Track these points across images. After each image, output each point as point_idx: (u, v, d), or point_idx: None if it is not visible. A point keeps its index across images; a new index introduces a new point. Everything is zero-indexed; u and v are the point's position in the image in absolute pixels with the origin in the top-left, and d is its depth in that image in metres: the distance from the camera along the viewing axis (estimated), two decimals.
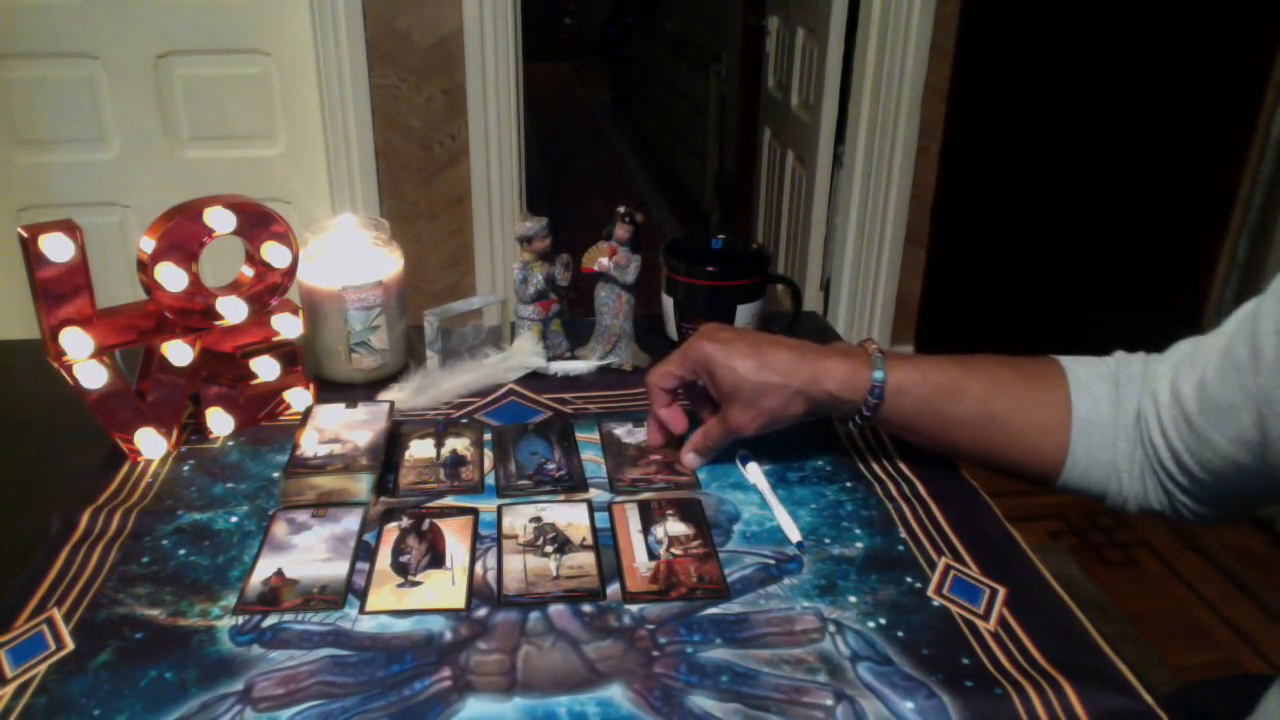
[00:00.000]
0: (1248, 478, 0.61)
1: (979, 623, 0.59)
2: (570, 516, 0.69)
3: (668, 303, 0.93)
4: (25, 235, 0.68)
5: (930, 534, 0.68)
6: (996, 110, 2.31)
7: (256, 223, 0.79)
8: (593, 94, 7.24)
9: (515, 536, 0.67)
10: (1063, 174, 2.39)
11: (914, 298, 2.50)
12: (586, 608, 0.60)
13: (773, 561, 0.65)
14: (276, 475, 0.74)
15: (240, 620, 0.59)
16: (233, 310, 0.79)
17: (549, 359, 0.91)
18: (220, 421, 0.80)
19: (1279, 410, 0.55)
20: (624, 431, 0.81)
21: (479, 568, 0.64)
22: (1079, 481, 0.70)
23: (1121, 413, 0.68)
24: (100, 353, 0.73)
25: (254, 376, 0.82)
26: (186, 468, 0.76)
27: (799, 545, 0.66)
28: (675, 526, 0.68)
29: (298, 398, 0.84)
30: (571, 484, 0.74)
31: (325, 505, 0.70)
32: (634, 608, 0.60)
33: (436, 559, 0.65)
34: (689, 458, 0.75)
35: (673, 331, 0.93)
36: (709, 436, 0.74)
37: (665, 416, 0.76)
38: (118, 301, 0.75)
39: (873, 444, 0.80)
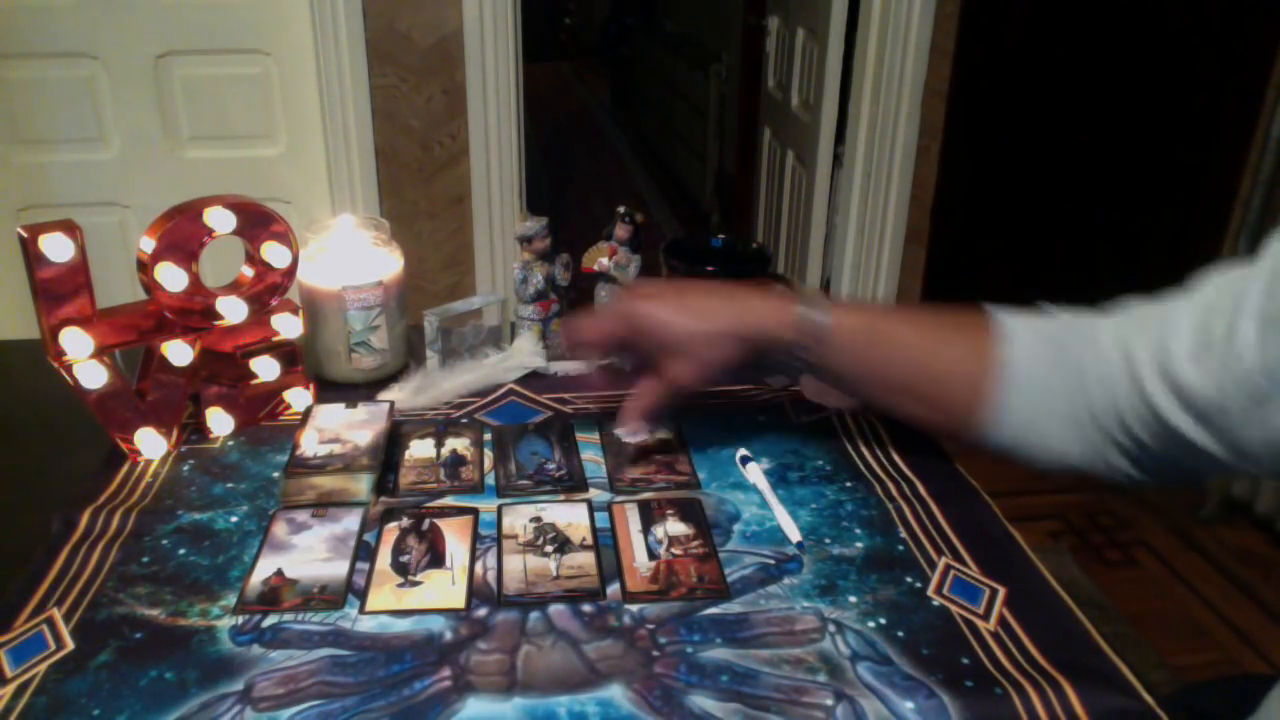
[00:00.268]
0: (1201, 455, 0.58)
1: (979, 623, 0.59)
2: (570, 516, 0.69)
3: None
4: (25, 235, 0.68)
5: (930, 534, 0.68)
6: (996, 110, 2.31)
7: (256, 223, 0.79)
8: (593, 94, 7.24)
9: (515, 536, 0.67)
10: (1063, 174, 2.39)
11: (914, 298, 2.50)
12: (586, 608, 0.60)
13: (773, 561, 0.65)
14: (276, 475, 0.74)
15: (240, 620, 0.59)
16: (233, 310, 0.79)
17: (549, 359, 0.91)
18: (220, 421, 0.80)
19: (1267, 398, 0.53)
20: (624, 432, 0.81)
21: (479, 568, 0.64)
22: (1009, 441, 0.67)
23: (1069, 370, 0.64)
24: (100, 353, 0.73)
25: (254, 376, 0.82)
26: (186, 468, 0.76)
27: (799, 545, 0.66)
28: (675, 526, 0.68)
29: (298, 398, 0.84)
30: (571, 484, 0.74)
31: (325, 505, 0.70)
32: (634, 608, 0.60)
33: (436, 559, 0.65)
34: (628, 426, 0.73)
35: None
36: (650, 395, 0.72)
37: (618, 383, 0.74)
38: (118, 301, 0.75)
39: (873, 444, 0.80)
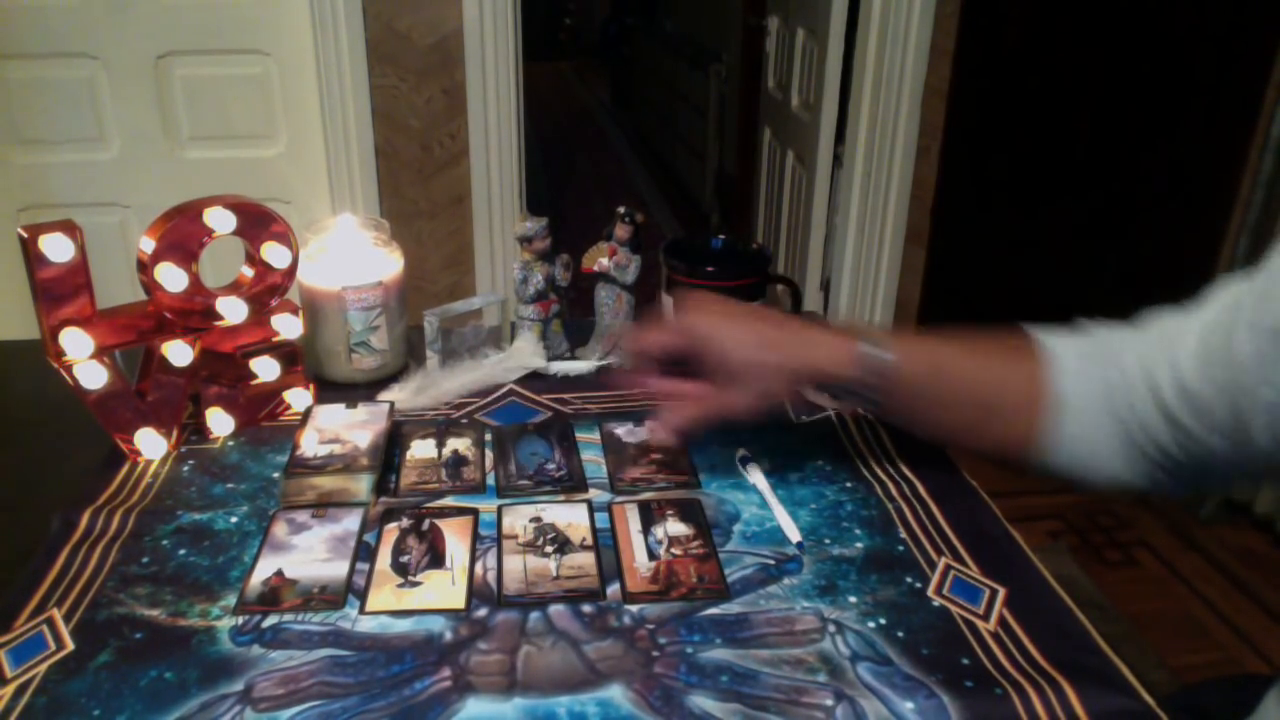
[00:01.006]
0: (1221, 460, 0.59)
1: (979, 623, 0.59)
2: (570, 516, 0.69)
3: (668, 303, 0.93)
4: (25, 235, 0.68)
5: (930, 534, 0.68)
6: (996, 110, 2.31)
7: (256, 223, 0.79)
8: (593, 94, 7.24)
9: (515, 536, 0.67)
10: (1063, 174, 2.39)
11: (914, 298, 2.50)
12: (586, 608, 0.60)
13: (773, 561, 0.65)
14: (276, 475, 0.74)
15: (240, 620, 0.59)
16: (233, 310, 0.79)
17: (549, 359, 0.91)
18: (220, 421, 0.80)
19: (1258, 404, 0.54)
20: (624, 431, 0.81)
21: (479, 568, 0.64)
22: (1065, 466, 0.67)
23: (1107, 387, 0.65)
24: (100, 353, 0.73)
25: (254, 376, 0.82)
26: (186, 468, 0.76)
27: (799, 546, 0.66)
28: (675, 526, 0.68)
29: (298, 398, 0.84)
30: (571, 484, 0.74)
31: (325, 505, 0.70)
32: (634, 608, 0.60)
33: (436, 559, 0.65)
34: (670, 432, 0.70)
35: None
36: (698, 412, 0.69)
37: (668, 388, 0.70)
38: (118, 301, 0.75)
39: (873, 444, 0.80)
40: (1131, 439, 0.64)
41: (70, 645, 0.56)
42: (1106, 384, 0.65)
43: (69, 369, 0.72)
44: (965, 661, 0.56)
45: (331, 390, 0.87)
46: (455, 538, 0.67)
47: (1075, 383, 0.66)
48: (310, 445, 0.74)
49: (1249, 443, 0.56)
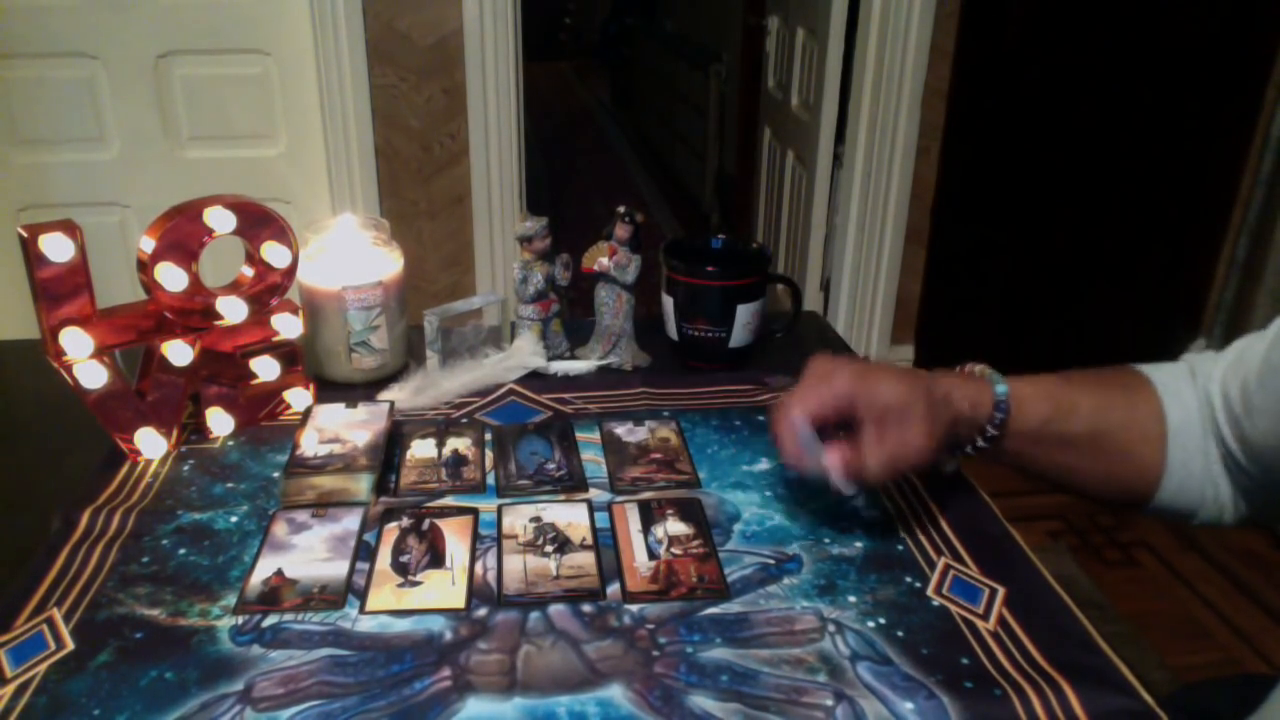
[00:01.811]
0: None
1: (979, 623, 0.59)
2: (570, 516, 0.69)
3: (668, 303, 0.93)
4: (25, 235, 0.68)
5: (930, 534, 0.68)
6: (996, 110, 2.31)
7: (256, 223, 0.79)
8: (593, 94, 7.24)
9: (515, 536, 0.67)
10: (1063, 174, 2.39)
11: (914, 298, 2.50)
12: (586, 608, 0.60)
13: (773, 561, 0.65)
14: (276, 475, 0.74)
15: (240, 620, 0.59)
16: (233, 310, 0.79)
17: (549, 359, 0.91)
18: (220, 421, 0.80)
19: None
20: (624, 431, 0.81)
21: (479, 568, 0.64)
22: (1174, 496, 0.67)
23: (1199, 405, 0.66)
24: (100, 353, 0.73)
25: (254, 376, 0.82)
26: (186, 468, 0.76)
27: (853, 496, 0.65)
28: (675, 526, 0.68)
29: (298, 398, 0.84)
30: (571, 484, 0.74)
31: (325, 505, 0.70)
32: (634, 608, 0.60)
33: (436, 559, 0.65)
34: (846, 483, 0.64)
35: (673, 331, 0.93)
36: (873, 471, 0.63)
37: (830, 463, 0.64)
38: (118, 301, 0.75)
39: None
40: (1222, 456, 0.65)
41: (70, 645, 0.56)
42: (1198, 403, 0.66)
43: (69, 369, 0.72)
44: (965, 661, 0.56)
45: (331, 390, 0.87)
46: (455, 537, 0.67)
47: (1176, 406, 0.66)
48: (310, 445, 0.74)
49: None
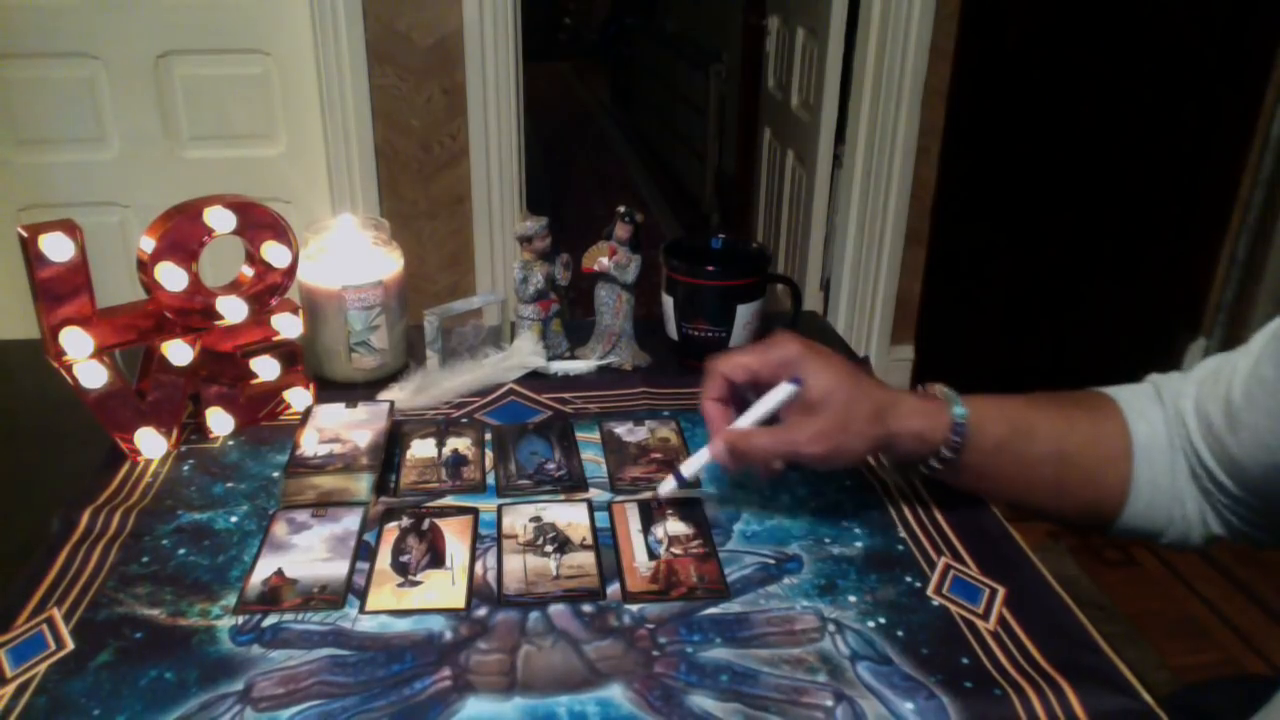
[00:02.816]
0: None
1: (979, 623, 0.59)
2: (570, 516, 0.69)
3: (668, 303, 0.93)
4: (25, 235, 0.68)
5: (930, 534, 0.68)
6: (996, 110, 2.31)
7: (256, 223, 0.79)
8: (593, 94, 7.24)
9: (515, 536, 0.67)
10: (1063, 174, 2.39)
11: (914, 298, 2.50)
12: (586, 607, 0.60)
13: (773, 561, 0.65)
14: (276, 475, 0.74)
15: (240, 620, 0.59)
16: (233, 310, 0.79)
17: (549, 359, 0.91)
18: (220, 421, 0.80)
19: None
20: (624, 431, 0.81)
21: (479, 567, 0.64)
22: (1141, 516, 0.66)
23: (1167, 425, 0.66)
24: (100, 353, 0.73)
25: (254, 376, 0.82)
26: (186, 468, 0.76)
27: (679, 477, 0.67)
28: (675, 526, 0.68)
29: (298, 398, 0.84)
30: (571, 484, 0.74)
31: (325, 505, 0.70)
32: (634, 607, 0.60)
33: (436, 559, 0.65)
34: (719, 449, 0.65)
35: (673, 331, 0.93)
36: (758, 444, 0.64)
37: (713, 412, 0.66)
38: (118, 301, 0.75)
39: None
40: (1194, 474, 0.65)
41: (70, 645, 0.56)
42: (1166, 421, 0.66)
43: (69, 369, 0.72)
44: (965, 661, 0.56)
45: (331, 390, 0.87)
46: (455, 537, 0.67)
47: (1142, 424, 0.66)
48: (310, 445, 0.74)
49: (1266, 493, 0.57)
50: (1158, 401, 0.67)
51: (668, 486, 0.68)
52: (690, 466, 0.68)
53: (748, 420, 0.66)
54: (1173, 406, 0.66)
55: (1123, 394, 0.68)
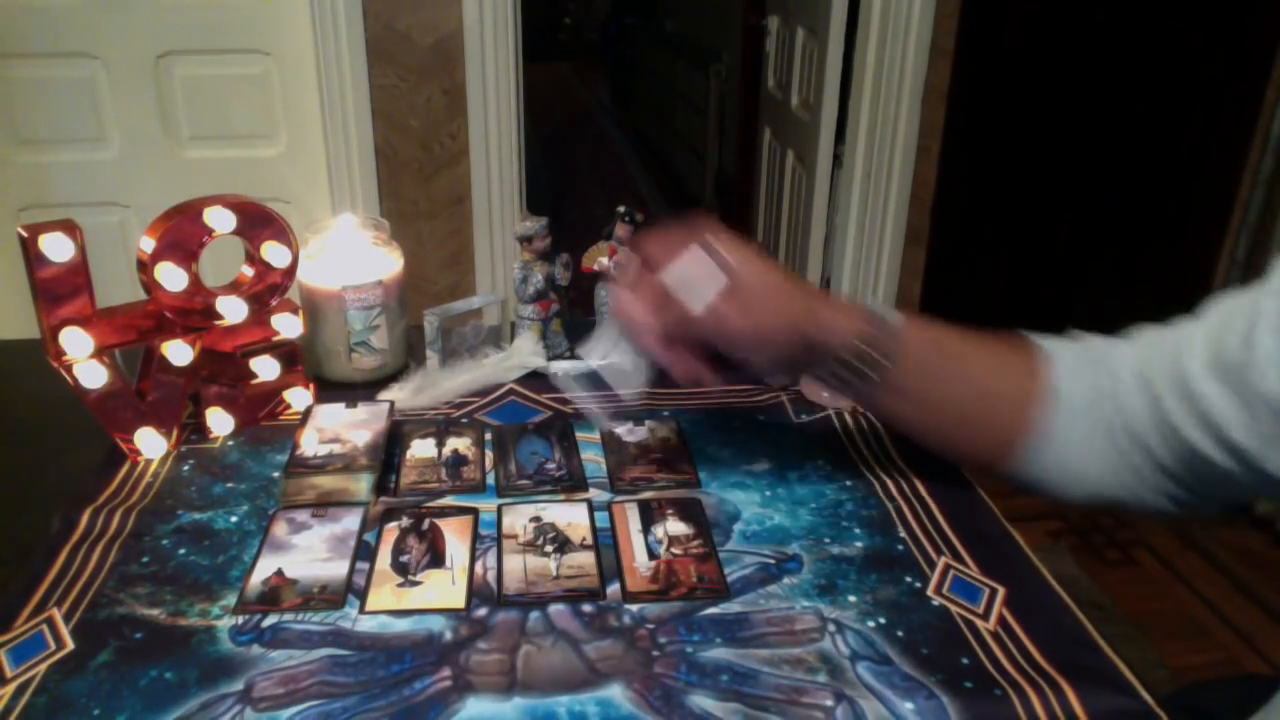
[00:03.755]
0: (1225, 477, 0.58)
1: (979, 622, 0.59)
2: (570, 516, 0.69)
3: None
4: (25, 235, 0.68)
5: (930, 534, 0.68)
6: (996, 110, 2.31)
7: (256, 223, 0.79)
8: (593, 94, 7.24)
9: (515, 536, 0.67)
10: (1063, 174, 2.39)
11: (914, 298, 2.50)
12: (586, 607, 0.60)
13: (773, 561, 0.65)
14: (276, 475, 0.74)
15: (240, 620, 0.59)
16: (233, 310, 0.79)
17: (549, 359, 0.91)
18: (220, 421, 0.80)
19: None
20: (624, 431, 0.81)
21: (479, 567, 0.64)
22: (1051, 468, 0.65)
23: (1097, 392, 0.64)
24: (100, 353, 0.73)
25: (254, 376, 0.82)
26: (186, 468, 0.76)
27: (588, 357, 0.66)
28: (675, 526, 0.68)
29: (298, 398, 0.84)
30: (571, 484, 0.74)
31: (325, 505, 0.70)
32: (634, 607, 0.60)
33: (436, 559, 0.65)
34: (625, 298, 0.64)
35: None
36: (670, 315, 0.62)
37: (626, 300, 0.64)
38: (118, 301, 0.75)
39: (872, 444, 0.80)
40: (1118, 447, 0.63)
41: (70, 645, 0.56)
42: (1097, 389, 0.64)
43: (69, 369, 0.72)
44: (965, 661, 0.56)
45: (331, 390, 0.87)
46: (455, 537, 0.67)
47: (1070, 380, 0.65)
48: (310, 445, 0.74)
49: (1259, 460, 0.54)
50: (1097, 366, 0.65)
51: (564, 365, 0.66)
52: (596, 341, 0.64)
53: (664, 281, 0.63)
54: (1140, 377, 0.62)
55: (1056, 345, 0.67)
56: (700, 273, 0.62)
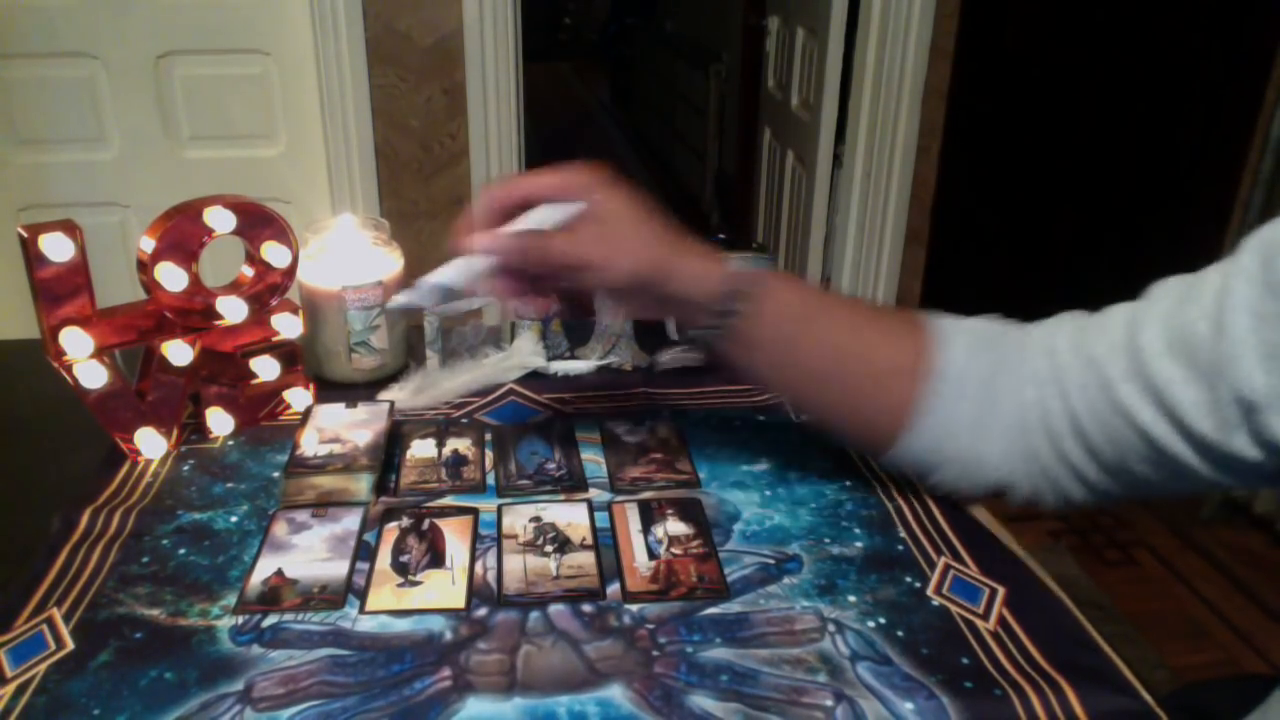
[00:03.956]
0: (1168, 461, 0.56)
1: (979, 623, 0.59)
2: (570, 516, 0.69)
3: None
4: (25, 235, 0.68)
5: (930, 534, 0.68)
6: (996, 110, 2.31)
7: (256, 223, 0.79)
8: (593, 94, 7.24)
9: (515, 536, 0.67)
10: (1063, 174, 2.39)
11: (914, 298, 2.50)
12: (586, 607, 0.60)
13: (773, 561, 0.65)
14: (276, 475, 0.74)
15: (240, 620, 0.59)
16: (233, 310, 0.79)
17: (549, 359, 0.91)
18: (220, 421, 0.80)
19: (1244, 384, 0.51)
20: (624, 431, 0.81)
21: (479, 567, 0.64)
22: (929, 450, 0.63)
23: (1011, 377, 0.62)
24: (100, 353, 0.73)
25: (254, 376, 0.82)
26: (186, 468, 0.76)
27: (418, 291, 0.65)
28: (675, 526, 0.68)
29: (298, 398, 0.84)
30: (571, 483, 0.74)
31: (325, 505, 0.70)
32: (634, 607, 0.60)
33: (436, 559, 0.65)
34: (480, 239, 0.62)
35: (672, 331, 0.93)
36: (522, 241, 0.61)
37: (488, 242, 0.62)
38: (118, 301, 0.75)
39: None
40: (1044, 432, 0.61)
41: (70, 645, 0.56)
42: (1011, 372, 0.62)
43: (69, 369, 0.72)
44: (965, 661, 0.56)
45: (331, 390, 0.87)
46: (455, 537, 0.67)
47: (965, 359, 0.62)
48: (310, 445, 0.74)
49: (1215, 445, 0.53)
50: (994, 343, 0.63)
51: (399, 300, 0.65)
52: (432, 278, 0.63)
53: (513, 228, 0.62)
54: (1085, 359, 0.60)
55: (951, 324, 0.64)
56: (557, 213, 0.62)
